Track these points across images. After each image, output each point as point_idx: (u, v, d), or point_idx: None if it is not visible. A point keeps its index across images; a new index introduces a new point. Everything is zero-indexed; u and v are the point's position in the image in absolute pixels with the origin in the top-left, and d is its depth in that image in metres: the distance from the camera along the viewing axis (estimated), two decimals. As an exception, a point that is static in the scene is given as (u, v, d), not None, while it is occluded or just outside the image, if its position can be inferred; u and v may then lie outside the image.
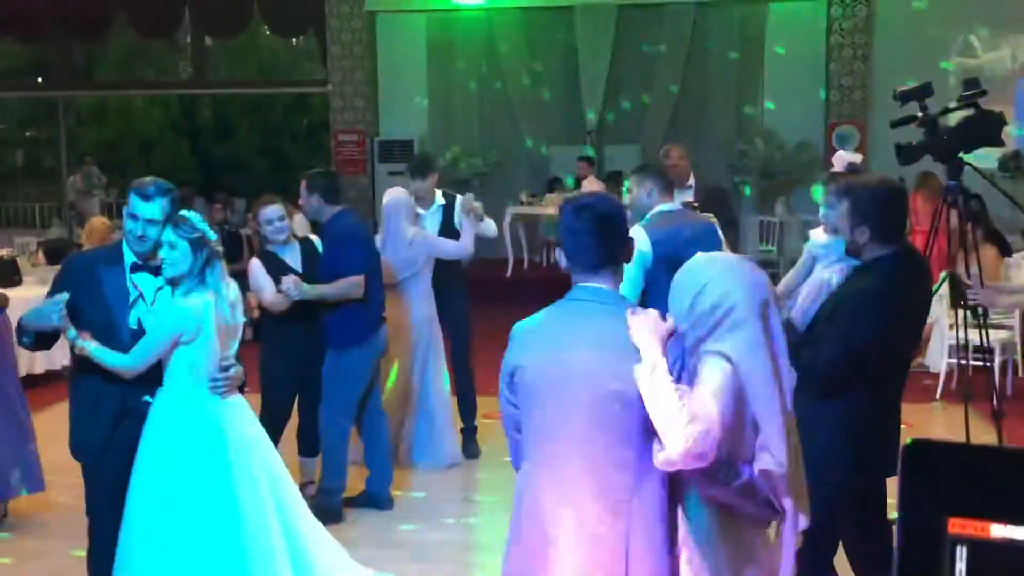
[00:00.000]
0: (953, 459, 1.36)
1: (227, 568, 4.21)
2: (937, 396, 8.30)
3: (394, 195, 6.84)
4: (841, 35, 14.15)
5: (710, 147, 15.24)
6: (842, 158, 4.91)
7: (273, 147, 22.26)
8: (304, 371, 6.04)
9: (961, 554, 1.43)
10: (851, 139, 13.62)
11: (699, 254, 2.95)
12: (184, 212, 4.33)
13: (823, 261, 4.60)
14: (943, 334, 8.25)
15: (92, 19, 16.30)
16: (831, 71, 14.22)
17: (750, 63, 15.15)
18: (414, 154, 10.72)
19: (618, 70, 15.45)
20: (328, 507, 5.86)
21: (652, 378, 2.67)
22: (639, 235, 4.98)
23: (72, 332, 4.14)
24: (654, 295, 4.79)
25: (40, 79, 19.79)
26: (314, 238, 6.25)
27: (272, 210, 5.94)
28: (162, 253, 4.24)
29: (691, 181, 6.43)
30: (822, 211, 4.62)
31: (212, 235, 4.32)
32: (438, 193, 7.05)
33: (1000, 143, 5.50)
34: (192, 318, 4.21)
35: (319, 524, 4.75)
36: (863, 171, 4.87)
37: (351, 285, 5.93)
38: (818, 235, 4.76)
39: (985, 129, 5.31)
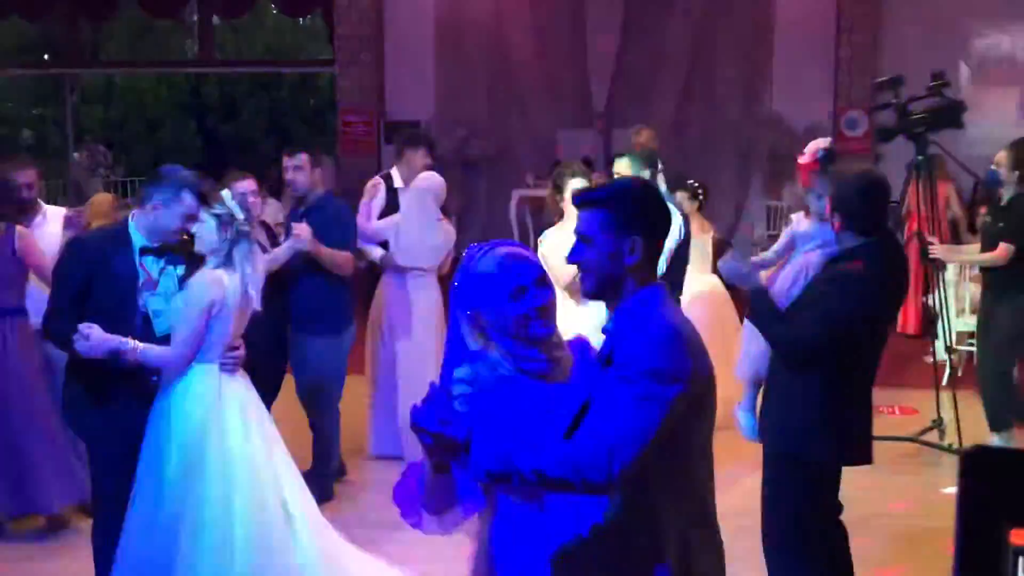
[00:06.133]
0: (1016, 467, 1.30)
1: (229, 547, 4.18)
2: (944, 383, 8.27)
3: (433, 180, 6.71)
4: (851, 18, 14.03)
5: (718, 131, 15.19)
6: (812, 146, 5.00)
7: (280, 127, 22.17)
8: (276, 352, 5.92)
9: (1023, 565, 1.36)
10: (859, 124, 13.61)
11: None
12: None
13: (805, 246, 4.64)
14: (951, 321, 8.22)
15: (99, -3, 16.24)
16: (841, 56, 14.10)
17: (759, 46, 15.02)
18: (418, 129, 10.48)
19: (627, 53, 15.34)
20: (325, 488, 5.85)
21: None
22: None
23: (127, 345, 4.06)
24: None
25: (47, 57, 19.70)
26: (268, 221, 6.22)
27: (247, 184, 5.76)
28: (192, 228, 4.25)
29: (659, 165, 6.37)
30: (809, 198, 4.72)
31: (240, 214, 4.29)
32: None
33: (961, 126, 6.55)
34: (218, 288, 4.18)
35: (314, 503, 4.68)
36: (835, 155, 5.34)
37: (346, 259, 5.93)
38: (800, 220, 4.84)
39: (949, 114, 6.52)
